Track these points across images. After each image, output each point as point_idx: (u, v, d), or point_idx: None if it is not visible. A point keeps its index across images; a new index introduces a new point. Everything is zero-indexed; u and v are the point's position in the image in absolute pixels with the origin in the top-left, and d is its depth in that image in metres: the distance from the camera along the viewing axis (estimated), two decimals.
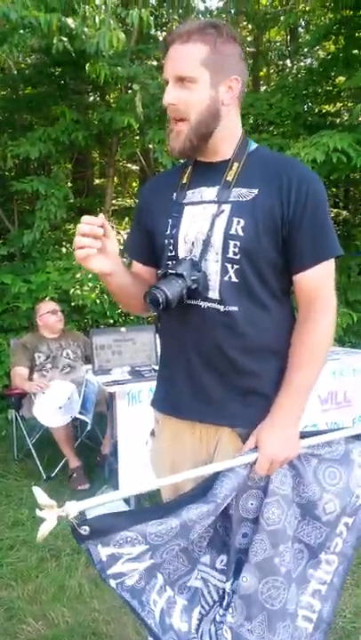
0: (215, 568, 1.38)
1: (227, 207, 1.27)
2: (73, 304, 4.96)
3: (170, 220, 1.34)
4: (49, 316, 3.87)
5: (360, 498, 1.40)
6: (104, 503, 1.22)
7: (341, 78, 6.23)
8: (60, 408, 3.42)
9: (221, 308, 1.28)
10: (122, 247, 1.46)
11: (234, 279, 1.26)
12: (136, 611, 1.25)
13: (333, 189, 7.43)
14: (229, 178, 1.29)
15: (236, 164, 1.30)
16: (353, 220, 7.76)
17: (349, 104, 6.79)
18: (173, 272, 1.26)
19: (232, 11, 7.45)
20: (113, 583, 1.22)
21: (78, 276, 4.97)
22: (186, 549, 1.32)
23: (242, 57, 1.29)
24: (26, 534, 2.82)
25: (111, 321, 5.28)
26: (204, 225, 1.29)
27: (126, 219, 6.26)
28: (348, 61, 5.25)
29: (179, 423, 1.42)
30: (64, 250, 5.60)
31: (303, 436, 1.34)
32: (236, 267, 1.26)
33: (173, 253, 1.33)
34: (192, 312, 1.30)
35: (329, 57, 5.84)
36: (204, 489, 1.27)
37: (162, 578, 1.31)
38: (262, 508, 1.30)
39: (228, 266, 1.26)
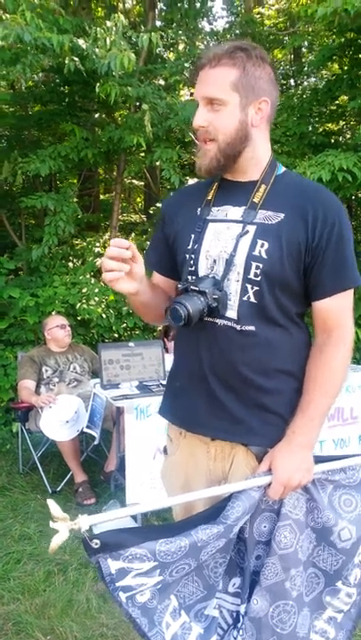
0: (228, 592, 1.38)
1: (252, 228, 1.28)
2: (79, 318, 5.01)
3: (192, 235, 1.36)
4: (57, 330, 3.90)
5: None
6: (116, 518, 1.23)
7: (344, 97, 6.34)
8: (67, 422, 3.43)
9: (238, 327, 1.29)
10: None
11: (252, 300, 1.28)
12: (142, 629, 1.25)
13: None
14: (256, 199, 1.30)
15: (263, 186, 1.31)
16: (356, 236, 7.83)
17: (352, 122, 6.91)
18: (196, 289, 1.27)
19: (237, 32, 7.60)
20: (123, 596, 1.23)
21: (85, 290, 5.03)
22: (201, 574, 1.32)
23: (272, 78, 1.30)
24: (33, 548, 2.82)
25: (116, 335, 5.32)
26: (228, 244, 1.30)
27: (133, 234, 6.33)
28: (352, 82, 5.35)
29: (194, 440, 1.42)
30: (71, 264, 5.66)
31: (318, 460, 1.34)
32: (255, 288, 1.27)
33: (194, 268, 1.34)
34: (209, 329, 1.31)
35: (333, 77, 5.94)
36: (216, 510, 1.28)
37: (176, 600, 1.31)
38: (274, 532, 1.30)
39: (248, 286, 1.27)
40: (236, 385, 1.33)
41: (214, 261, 1.32)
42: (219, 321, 1.30)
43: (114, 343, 3.90)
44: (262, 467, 1.31)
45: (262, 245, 1.26)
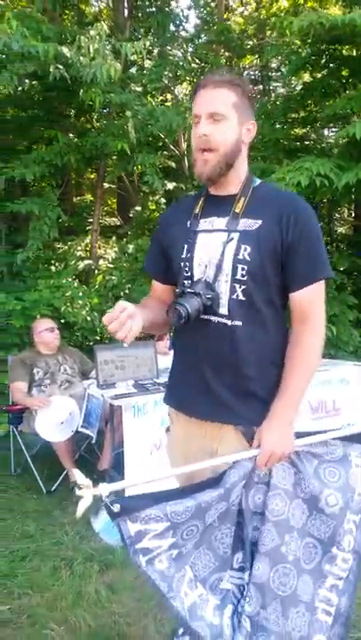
0: (233, 568, 1.53)
1: (235, 235, 1.49)
2: (62, 321, 5.07)
3: (185, 246, 1.56)
4: (47, 333, 3.96)
5: None
6: (132, 485, 1.45)
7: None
8: (62, 423, 3.51)
9: (229, 322, 1.50)
10: (143, 266, 1.70)
11: (241, 297, 1.48)
12: (162, 591, 1.42)
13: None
14: (237, 210, 1.52)
15: (242, 199, 1.53)
16: (325, 233, 8.08)
17: (318, 127, 7.14)
18: (192, 291, 1.48)
19: (204, 37, 7.74)
20: (142, 559, 1.40)
21: (68, 293, 5.09)
22: (211, 546, 1.48)
23: (253, 108, 1.55)
24: (36, 545, 2.89)
25: (98, 337, 5.40)
26: (216, 250, 1.50)
27: (114, 237, 6.39)
28: (325, 90, 5.57)
29: (189, 422, 1.63)
30: (53, 268, 5.70)
31: (300, 436, 1.53)
32: (243, 287, 1.48)
33: (189, 274, 1.55)
34: (204, 325, 1.53)
35: (306, 85, 6.16)
36: (216, 479, 1.48)
37: (191, 572, 1.47)
38: (266, 501, 1.48)
39: (237, 286, 1.48)
40: (227, 373, 1.53)
41: (206, 266, 1.52)
42: (213, 318, 1.50)
43: (109, 344, 3.97)
44: (254, 444, 1.51)
45: (245, 249, 1.47)
